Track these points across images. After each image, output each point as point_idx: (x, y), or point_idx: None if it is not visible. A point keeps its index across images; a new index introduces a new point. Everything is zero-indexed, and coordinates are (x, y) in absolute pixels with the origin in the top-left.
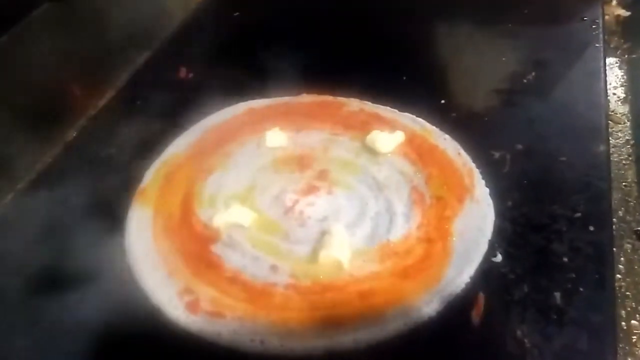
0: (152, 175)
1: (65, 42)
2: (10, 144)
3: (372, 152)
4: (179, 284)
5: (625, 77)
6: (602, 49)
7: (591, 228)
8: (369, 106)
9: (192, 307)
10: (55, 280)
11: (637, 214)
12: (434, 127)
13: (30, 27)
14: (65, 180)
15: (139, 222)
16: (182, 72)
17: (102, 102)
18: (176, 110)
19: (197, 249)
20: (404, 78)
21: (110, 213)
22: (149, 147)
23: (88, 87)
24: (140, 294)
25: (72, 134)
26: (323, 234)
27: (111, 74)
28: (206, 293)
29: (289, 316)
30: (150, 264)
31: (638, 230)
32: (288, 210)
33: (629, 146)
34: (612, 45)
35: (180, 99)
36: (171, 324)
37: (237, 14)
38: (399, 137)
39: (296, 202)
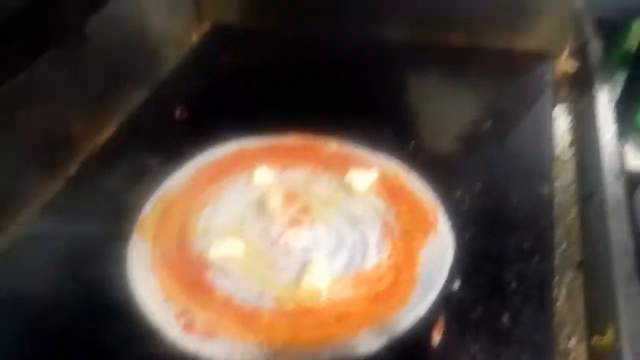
0: (151, 208)
1: (68, 83)
2: (14, 178)
3: (349, 189)
4: (176, 307)
5: (572, 122)
6: (550, 101)
7: (536, 259)
8: (347, 147)
9: (189, 327)
10: (59, 305)
11: (578, 246)
12: (404, 167)
13: (36, 73)
14: (68, 214)
15: (139, 251)
16: (178, 112)
17: (102, 138)
18: (172, 148)
19: (192, 275)
20: (379, 122)
21: (111, 243)
22: (147, 182)
23: (89, 124)
24: (141, 317)
25: (73, 168)
26: (305, 262)
27: (111, 112)
28: (201, 315)
29: (275, 336)
30: (150, 290)
31: (578, 261)
32: (274, 241)
33: (573, 186)
34: (562, 94)
35: (176, 136)
36: (170, 343)
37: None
38: (373, 176)
39: (282, 234)
